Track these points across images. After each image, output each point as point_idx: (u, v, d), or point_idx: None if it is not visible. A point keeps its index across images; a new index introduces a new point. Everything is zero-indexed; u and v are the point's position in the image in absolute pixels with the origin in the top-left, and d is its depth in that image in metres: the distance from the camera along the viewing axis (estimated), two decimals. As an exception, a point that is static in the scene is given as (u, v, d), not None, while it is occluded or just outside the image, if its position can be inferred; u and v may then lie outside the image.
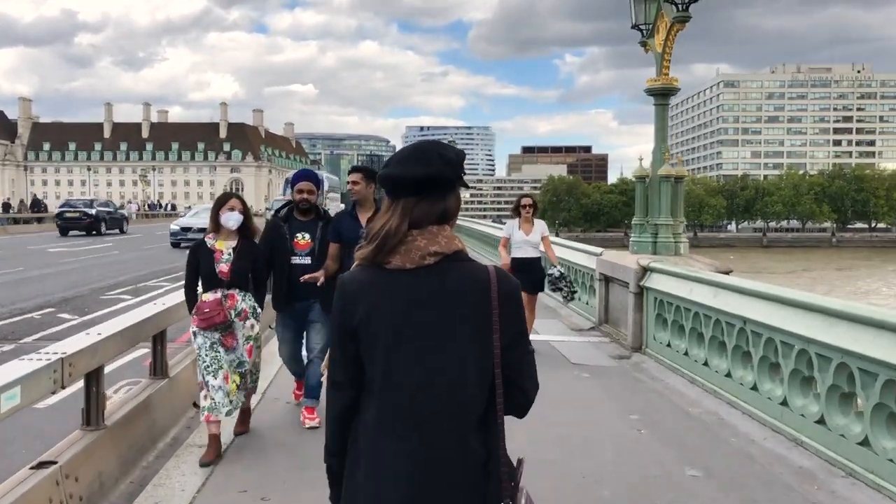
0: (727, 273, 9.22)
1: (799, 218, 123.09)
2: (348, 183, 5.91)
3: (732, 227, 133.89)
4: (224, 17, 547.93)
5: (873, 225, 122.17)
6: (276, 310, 6.05)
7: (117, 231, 38.59)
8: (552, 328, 10.21)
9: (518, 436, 2.37)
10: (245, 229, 5.34)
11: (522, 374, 1.90)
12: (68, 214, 36.75)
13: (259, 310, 5.44)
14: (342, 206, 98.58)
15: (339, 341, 1.89)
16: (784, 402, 5.74)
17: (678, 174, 9.88)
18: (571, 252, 12.22)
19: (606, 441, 5.66)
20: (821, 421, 5.24)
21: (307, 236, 5.84)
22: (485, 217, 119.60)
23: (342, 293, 1.88)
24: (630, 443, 5.66)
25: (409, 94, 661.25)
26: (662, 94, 9.74)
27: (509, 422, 1.90)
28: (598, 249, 11.07)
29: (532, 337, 6.98)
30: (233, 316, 5.22)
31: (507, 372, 1.86)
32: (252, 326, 5.35)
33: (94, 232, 35.83)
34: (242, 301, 5.30)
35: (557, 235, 73.41)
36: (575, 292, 9.10)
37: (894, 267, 71.44)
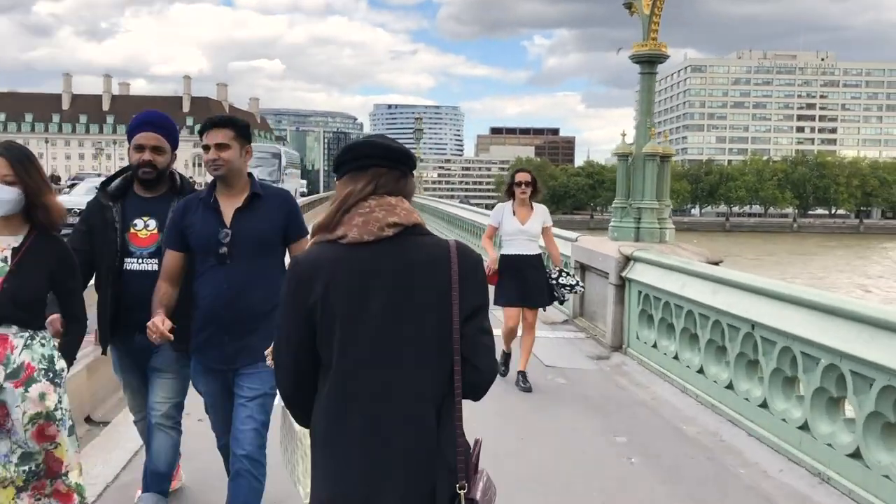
0: (717, 263, 8.27)
1: (762, 203, 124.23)
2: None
3: (696, 211, 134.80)
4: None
5: (833, 211, 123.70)
6: (100, 344, 3.76)
7: None
8: (555, 349, 8.59)
9: (489, 468, 1.97)
10: (32, 215, 2.99)
11: (478, 352, 1.83)
12: None
13: (61, 365, 3.04)
14: (303, 187, 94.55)
15: (290, 324, 1.82)
16: (804, 427, 4.72)
17: (665, 152, 8.87)
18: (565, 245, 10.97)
19: (593, 478, 4.59)
20: (856, 454, 4.22)
21: (152, 224, 3.54)
22: (452, 197, 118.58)
23: (296, 273, 1.82)
24: (620, 478, 4.62)
25: (378, 71, 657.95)
26: (649, 62, 8.72)
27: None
28: (574, 234, 9.93)
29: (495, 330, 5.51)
30: (1, 378, 2.88)
31: (462, 349, 1.81)
32: (43, 396, 2.92)
33: None
34: (25, 349, 2.94)
35: (524, 217, 72.95)
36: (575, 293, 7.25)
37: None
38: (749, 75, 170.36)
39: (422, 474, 1.77)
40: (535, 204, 6.59)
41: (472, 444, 1.87)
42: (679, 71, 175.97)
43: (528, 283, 6.34)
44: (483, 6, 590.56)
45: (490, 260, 6.36)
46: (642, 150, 8.59)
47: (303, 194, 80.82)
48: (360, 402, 1.77)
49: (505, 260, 6.38)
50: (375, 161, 1.86)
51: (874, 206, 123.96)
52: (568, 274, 6.73)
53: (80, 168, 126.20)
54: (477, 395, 1.88)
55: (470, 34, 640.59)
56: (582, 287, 6.94)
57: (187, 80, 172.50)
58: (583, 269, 9.02)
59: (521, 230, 6.40)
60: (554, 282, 6.48)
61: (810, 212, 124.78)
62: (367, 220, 1.78)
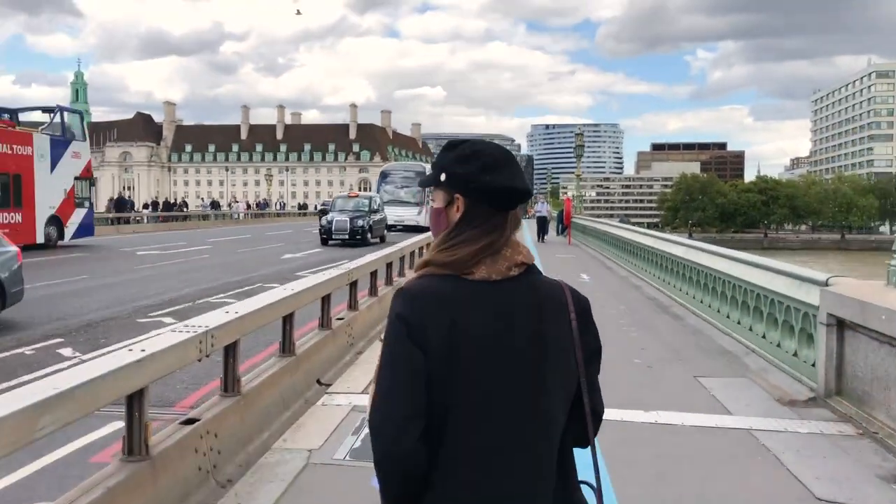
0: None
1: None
2: None
3: (885, 228, 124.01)
4: (359, 24, 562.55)
5: None
6: None
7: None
8: (742, 394, 6.86)
9: None
10: None
11: (598, 395, 1.73)
12: None
13: None
14: None
15: (406, 363, 1.56)
16: None
17: None
18: (762, 273, 8.52)
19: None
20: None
21: None
22: (612, 216, 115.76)
23: (413, 302, 1.59)
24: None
25: (536, 93, 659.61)
26: None
27: None
28: (822, 274, 7.10)
29: (717, 416, 5.51)
30: None
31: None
32: None
33: None
34: None
35: (691, 237, 69.41)
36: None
37: None
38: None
39: None
40: None
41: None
42: (862, 78, 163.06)
43: None
44: (643, 22, 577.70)
45: None
46: None
47: None
48: (493, 458, 1.60)
49: None
50: (516, 204, 1.72)
51: None
52: None
53: (256, 194, 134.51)
54: (593, 438, 1.75)
55: (629, 51, 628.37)
56: None
57: (353, 108, 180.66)
58: (840, 325, 6.38)
59: None
60: None
61: None
62: (496, 258, 1.65)
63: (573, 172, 58.71)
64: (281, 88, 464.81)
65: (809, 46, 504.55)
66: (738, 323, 9.27)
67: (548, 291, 1.69)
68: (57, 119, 25.84)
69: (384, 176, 43.88)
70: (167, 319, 10.94)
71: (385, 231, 30.77)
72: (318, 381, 7.07)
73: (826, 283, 6.72)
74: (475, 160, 1.67)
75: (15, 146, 23.28)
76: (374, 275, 10.72)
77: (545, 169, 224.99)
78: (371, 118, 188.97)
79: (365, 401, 6.27)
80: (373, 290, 10.68)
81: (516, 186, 1.68)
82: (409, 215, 39.68)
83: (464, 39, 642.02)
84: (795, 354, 7.39)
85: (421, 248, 15.51)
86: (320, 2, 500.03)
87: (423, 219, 39.07)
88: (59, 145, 25.44)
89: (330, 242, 27.26)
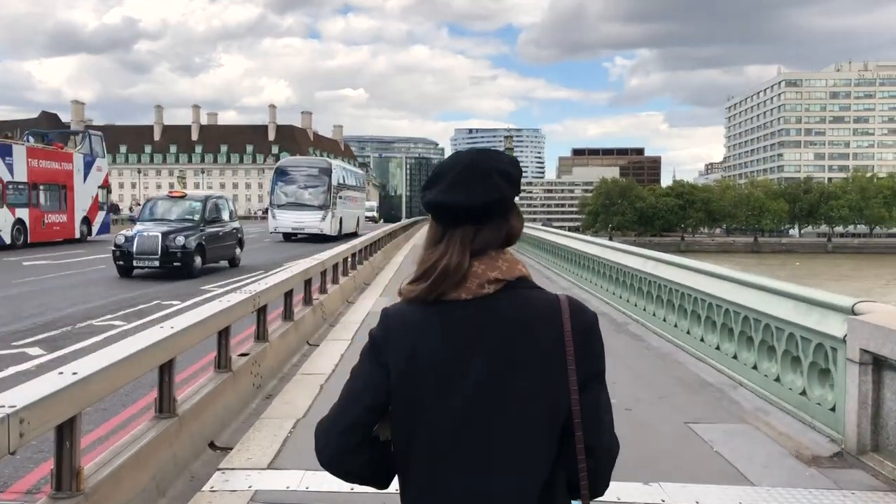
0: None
1: (867, 223, 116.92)
2: None
3: (794, 231, 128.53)
4: (279, 24, 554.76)
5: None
6: None
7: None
8: (751, 449, 5.44)
9: None
10: None
11: (601, 429, 1.52)
12: None
13: None
14: (372, 212, 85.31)
15: (364, 377, 1.58)
16: None
17: None
18: (754, 294, 7.07)
19: None
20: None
21: None
22: (534, 220, 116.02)
23: (383, 322, 1.59)
24: None
25: (459, 97, 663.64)
26: None
27: None
28: (847, 299, 5.65)
29: (737, 488, 4.52)
30: None
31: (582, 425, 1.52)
32: None
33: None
34: None
35: (611, 239, 69.74)
36: None
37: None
38: (849, 88, 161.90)
39: None
40: None
41: None
42: (773, 86, 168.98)
43: None
44: (563, 29, 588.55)
45: None
46: None
47: (371, 219, 75.08)
48: (449, 487, 1.50)
49: None
50: (462, 221, 1.55)
51: None
52: None
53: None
54: (598, 485, 1.53)
55: (550, 57, 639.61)
56: None
57: (272, 108, 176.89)
58: (877, 364, 5.06)
59: None
60: None
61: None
62: (465, 275, 1.53)
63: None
64: (198, 88, 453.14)
65: (721, 55, 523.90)
66: (717, 349, 8.00)
67: (533, 308, 1.54)
68: (86, 140, 33.43)
69: (281, 174, 35.87)
70: (33, 350, 8.96)
71: (238, 250, 20.96)
72: (212, 445, 5.42)
73: (853, 311, 5.41)
74: (428, 177, 1.62)
75: (63, 163, 30.57)
76: (288, 295, 9.04)
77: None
78: (291, 120, 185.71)
79: (274, 480, 4.68)
80: (287, 315, 9.01)
81: (443, 200, 1.55)
82: (311, 221, 33.63)
83: (386, 41, 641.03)
84: (804, 393, 6.10)
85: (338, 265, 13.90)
86: (239, 1, 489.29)
87: (328, 225, 33.80)
88: (88, 161, 32.53)
89: (134, 272, 17.63)
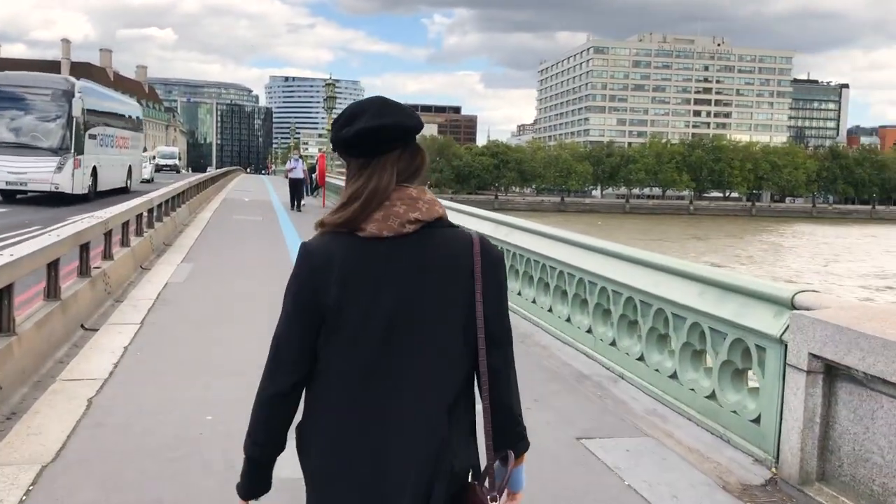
0: None
1: (660, 185, 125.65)
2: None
3: (597, 192, 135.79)
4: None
5: (727, 194, 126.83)
6: None
7: None
8: (662, 473, 4.36)
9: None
10: None
11: (507, 354, 1.75)
12: None
13: None
14: (174, 159, 72.89)
15: (294, 315, 1.70)
16: None
17: None
18: (659, 279, 5.77)
19: None
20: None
21: None
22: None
23: (308, 261, 1.69)
24: None
25: (276, 44, 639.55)
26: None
27: None
28: (786, 288, 4.62)
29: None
30: None
31: (489, 351, 1.72)
32: None
33: None
34: None
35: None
36: None
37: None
38: (650, 58, 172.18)
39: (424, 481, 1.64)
40: None
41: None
42: (582, 52, 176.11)
43: None
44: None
45: None
46: None
47: (171, 168, 65.20)
48: (376, 415, 1.65)
49: None
50: (390, 144, 1.69)
51: (764, 190, 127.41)
52: None
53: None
54: (508, 414, 1.77)
55: (369, 9, 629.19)
56: None
57: (66, 43, 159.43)
58: (829, 373, 3.99)
59: None
60: None
61: (705, 194, 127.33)
62: (387, 213, 1.65)
63: (314, 128, 54.87)
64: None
65: (534, 20, 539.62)
66: (590, 332, 6.90)
67: (450, 245, 1.69)
68: None
69: None
70: None
71: None
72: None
73: (793, 303, 4.33)
74: (337, 121, 1.72)
75: None
76: (53, 266, 6.84)
77: (287, 123, 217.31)
78: (90, 58, 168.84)
79: None
80: (51, 292, 6.83)
81: (369, 125, 1.66)
82: (37, 171, 20.96)
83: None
84: (712, 397, 5.05)
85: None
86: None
87: (67, 178, 21.44)
88: None
89: None
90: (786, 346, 4.24)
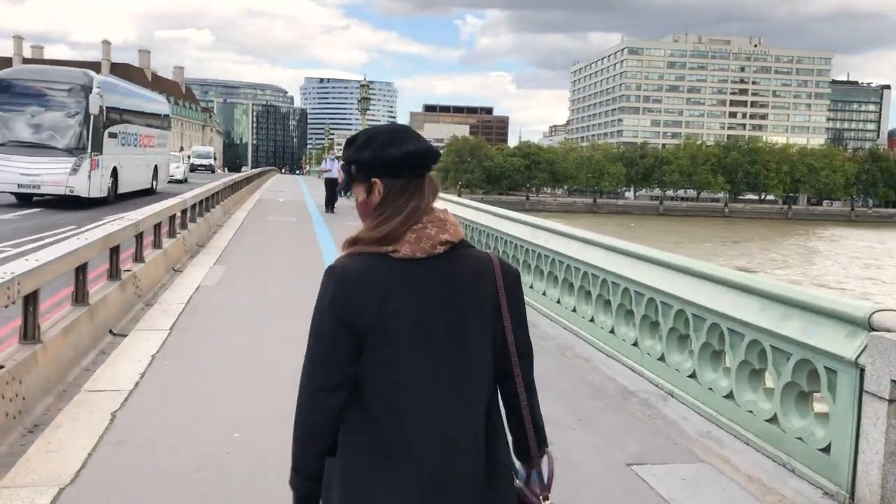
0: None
1: (695, 187, 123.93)
2: None
3: (630, 194, 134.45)
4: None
5: (763, 197, 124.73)
6: None
7: None
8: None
9: None
10: None
11: (531, 365, 1.86)
12: None
13: None
14: (209, 159, 70.96)
15: (333, 339, 1.68)
16: None
17: None
18: (716, 292, 5.36)
19: None
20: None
21: None
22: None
23: (343, 282, 1.68)
24: None
25: (310, 45, 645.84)
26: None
27: None
28: (862, 306, 4.13)
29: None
30: None
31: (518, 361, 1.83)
32: None
33: None
34: None
35: (460, 196, 69.29)
36: None
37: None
38: (685, 59, 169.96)
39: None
40: None
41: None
42: (616, 52, 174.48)
43: None
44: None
45: None
46: None
47: (207, 168, 64.84)
48: (411, 426, 1.67)
49: None
50: (426, 168, 1.79)
51: (801, 193, 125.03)
52: None
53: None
54: (538, 417, 1.86)
55: (403, 11, 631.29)
56: None
57: (106, 45, 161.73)
58: None
59: None
60: None
61: (740, 197, 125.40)
62: (420, 235, 1.70)
63: (349, 129, 55.03)
64: (24, 18, 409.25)
65: (566, 21, 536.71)
66: (636, 345, 6.54)
67: (474, 265, 1.75)
68: None
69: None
70: None
71: None
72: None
73: (870, 324, 3.96)
74: (374, 142, 1.75)
75: None
76: (81, 270, 6.67)
77: (322, 124, 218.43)
78: (129, 59, 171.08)
79: None
80: (80, 297, 6.66)
81: (418, 148, 1.74)
82: (51, 172, 19.30)
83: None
84: (773, 420, 4.68)
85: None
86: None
87: (83, 181, 19.78)
88: None
89: None
90: (862, 370, 3.88)
